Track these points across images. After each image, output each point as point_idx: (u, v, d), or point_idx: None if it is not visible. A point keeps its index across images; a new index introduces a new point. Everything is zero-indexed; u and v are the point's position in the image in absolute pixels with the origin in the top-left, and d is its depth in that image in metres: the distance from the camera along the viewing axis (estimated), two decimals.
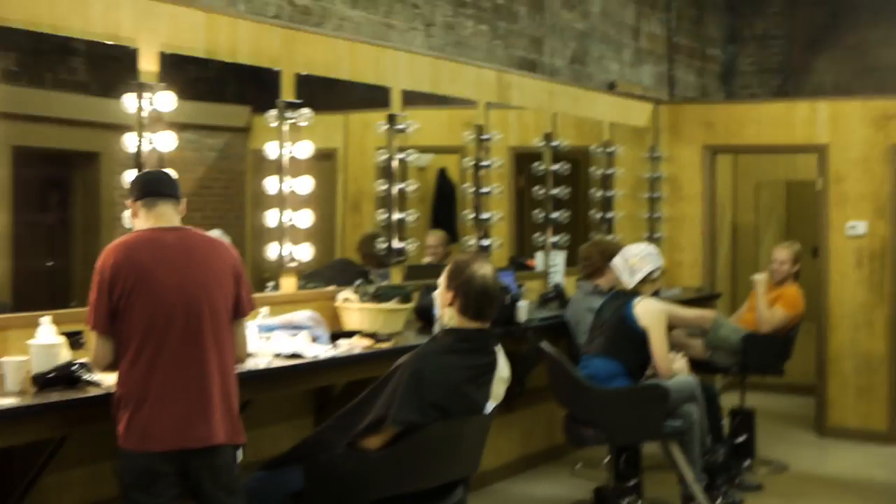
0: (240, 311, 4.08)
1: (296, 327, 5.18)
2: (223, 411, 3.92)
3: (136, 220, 4.06)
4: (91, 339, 3.93)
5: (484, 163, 7.25)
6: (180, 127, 5.05)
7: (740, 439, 7.93)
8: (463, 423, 4.20)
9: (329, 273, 6.29)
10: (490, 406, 4.28)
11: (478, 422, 4.27)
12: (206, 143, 6.00)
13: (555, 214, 8.11)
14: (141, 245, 3.91)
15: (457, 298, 4.23)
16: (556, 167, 8.10)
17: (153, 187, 4.05)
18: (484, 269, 4.26)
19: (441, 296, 4.31)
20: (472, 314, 4.23)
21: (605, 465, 6.15)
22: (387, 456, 4.10)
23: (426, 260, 7.23)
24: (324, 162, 6.57)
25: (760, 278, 7.91)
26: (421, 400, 4.06)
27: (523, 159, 8.32)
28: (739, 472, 7.26)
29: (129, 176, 4.75)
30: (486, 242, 7.28)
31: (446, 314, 4.28)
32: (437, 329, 5.61)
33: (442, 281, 4.31)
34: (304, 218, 5.70)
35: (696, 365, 7.35)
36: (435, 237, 7.47)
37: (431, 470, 4.23)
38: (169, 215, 4.02)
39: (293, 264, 5.70)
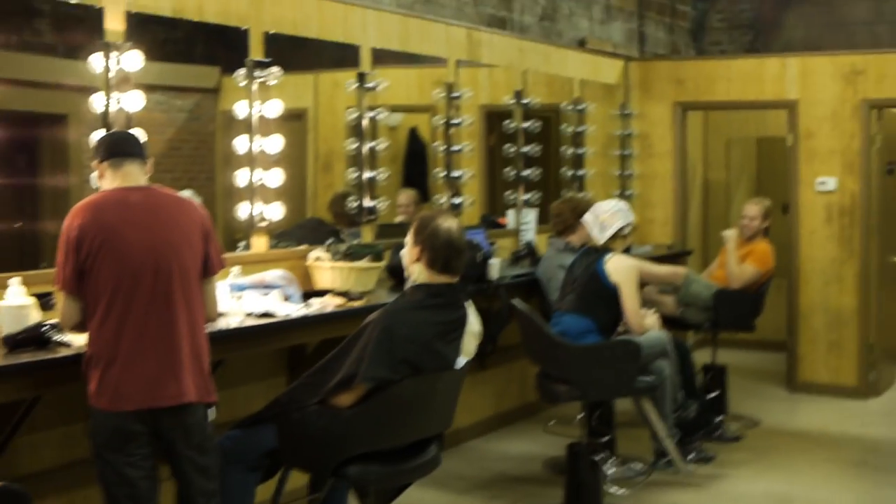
0: (209, 269, 4.06)
1: (267, 286, 5.17)
2: (194, 370, 3.91)
3: (102, 181, 4.03)
4: (59, 299, 3.91)
5: (454, 121, 7.24)
6: (148, 88, 5.01)
7: (712, 395, 7.99)
8: (434, 379, 4.20)
9: (300, 232, 6.27)
10: (461, 361, 4.29)
11: (449, 377, 4.27)
12: (174, 104, 5.97)
13: (526, 172, 8.10)
14: (107, 205, 3.88)
15: (423, 253, 4.23)
16: (526, 125, 8.09)
17: (119, 147, 4.02)
18: (448, 223, 4.26)
19: (408, 252, 4.31)
20: (439, 268, 4.22)
21: (579, 422, 6.18)
22: (358, 413, 4.10)
23: (398, 219, 7.23)
24: (294, 122, 6.55)
25: (730, 234, 7.94)
26: (391, 356, 4.06)
27: (494, 117, 8.32)
28: (715, 426, 7.31)
29: (97, 137, 4.72)
30: (457, 201, 7.27)
31: (414, 270, 4.28)
32: (407, 287, 5.64)
33: (409, 237, 4.31)
34: (275, 177, 5.68)
35: (668, 322, 7.39)
36: (406, 196, 7.47)
37: (404, 427, 4.24)
38: (135, 175, 3.99)
39: (264, 224, 5.68)
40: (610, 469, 6.13)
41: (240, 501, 4.29)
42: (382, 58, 6.63)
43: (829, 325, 8.97)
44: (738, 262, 7.80)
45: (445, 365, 4.24)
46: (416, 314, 4.17)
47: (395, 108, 6.77)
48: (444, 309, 4.23)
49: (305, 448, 4.22)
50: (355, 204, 6.41)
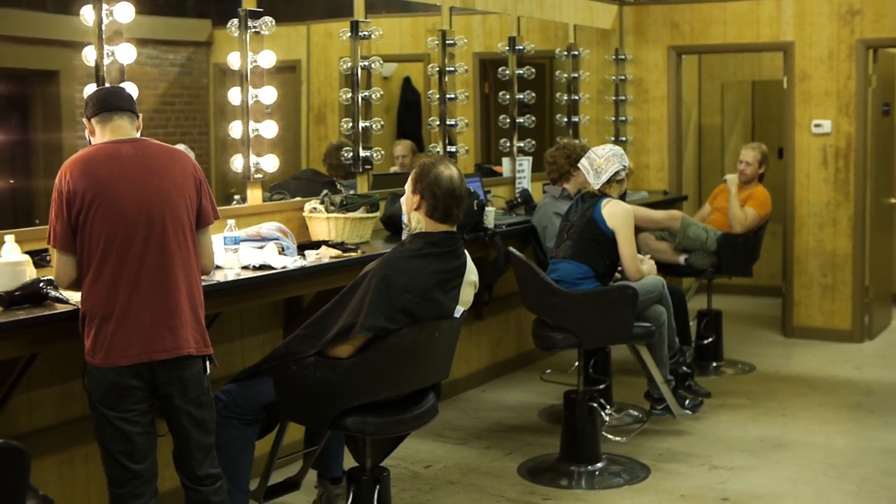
0: (203, 219, 4.04)
1: (263, 239, 5.16)
2: (191, 322, 3.90)
3: (93, 137, 4.00)
4: (53, 256, 3.90)
5: (448, 69, 7.19)
6: (140, 42, 4.96)
7: (707, 341, 8.02)
8: (433, 328, 4.20)
9: (295, 184, 6.26)
10: (459, 310, 4.29)
11: (447, 326, 4.27)
12: (166, 58, 5.93)
13: (520, 120, 8.07)
14: (98, 158, 3.85)
15: (423, 201, 4.20)
16: (521, 72, 8.04)
17: (108, 102, 3.97)
18: (450, 171, 4.22)
19: (407, 200, 4.28)
20: (439, 216, 4.20)
21: (575, 370, 6.20)
22: (357, 363, 4.10)
23: (394, 169, 7.21)
24: (287, 74, 6.52)
25: (733, 178, 7.95)
26: (389, 306, 4.06)
27: (488, 65, 8.28)
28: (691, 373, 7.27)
29: (90, 91, 4.68)
30: (452, 149, 7.25)
31: (413, 218, 4.25)
32: (405, 237, 5.64)
33: (408, 186, 4.28)
34: (269, 129, 5.64)
35: (665, 268, 7.40)
36: (403, 146, 7.45)
37: (402, 377, 4.24)
38: (126, 129, 3.95)
39: (259, 176, 5.66)
40: (606, 417, 6.14)
41: (239, 456, 4.30)
42: (375, 6, 6.58)
43: (824, 269, 8.99)
44: (740, 207, 7.81)
45: (444, 314, 4.22)
46: (414, 263, 4.15)
47: (388, 59, 6.73)
48: (443, 257, 4.21)
49: (303, 400, 4.23)
50: (350, 155, 6.38)
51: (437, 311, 4.19)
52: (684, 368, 6.82)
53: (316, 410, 4.20)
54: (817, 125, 8.90)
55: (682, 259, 7.73)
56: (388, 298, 4.06)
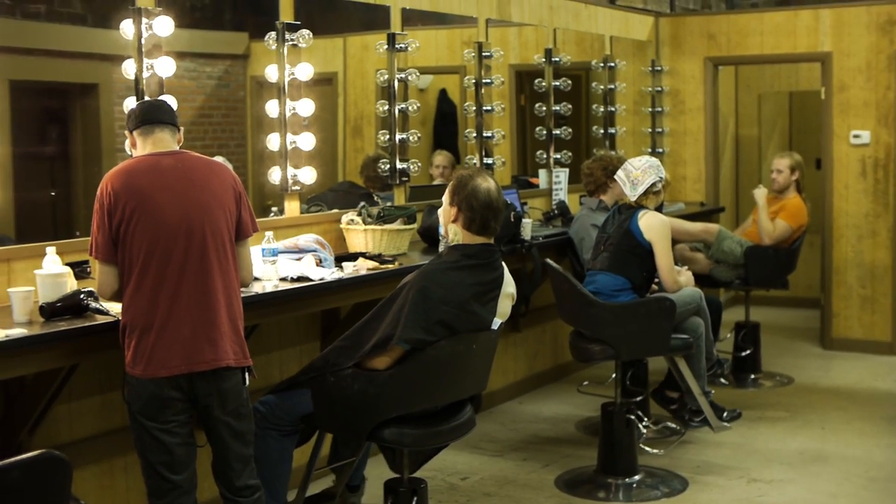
0: (242, 231, 4.06)
1: (301, 251, 5.18)
2: (230, 333, 3.92)
3: (134, 150, 4.04)
4: (95, 267, 3.92)
5: (485, 81, 7.20)
6: (178, 56, 5.00)
7: (745, 353, 7.98)
8: (470, 340, 4.20)
9: (332, 196, 6.28)
10: (497, 322, 4.29)
11: (485, 338, 4.27)
12: (204, 71, 5.97)
13: (557, 131, 8.07)
14: (139, 170, 3.88)
15: (461, 213, 4.20)
16: (557, 83, 8.04)
17: (150, 115, 4.01)
18: (487, 183, 4.22)
19: (445, 212, 4.28)
20: (476, 229, 4.21)
21: (612, 382, 6.18)
22: (394, 375, 4.11)
23: (436, 181, 7.22)
24: (324, 86, 6.54)
25: (760, 192, 7.91)
26: (427, 318, 4.06)
27: (524, 77, 8.28)
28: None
29: (129, 104, 4.73)
30: (488, 161, 7.25)
31: (451, 231, 4.25)
32: (441, 248, 5.64)
33: (445, 197, 4.28)
34: (307, 141, 5.67)
35: (699, 279, 7.37)
36: (442, 157, 7.45)
37: (439, 388, 4.25)
38: (167, 142, 3.99)
39: (296, 188, 5.69)
40: (644, 429, 6.12)
41: (277, 467, 4.32)
42: (411, 19, 6.60)
43: (863, 281, 8.92)
44: (770, 218, 7.76)
45: (481, 326, 4.23)
46: (451, 275, 4.16)
47: (424, 71, 6.73)
48: (480, 269, 4.21)
49: (341, 411, 4.24)
50: (387, 166, 6.40)
51: (475, 323, 4.20)
52: (722, 381, 6.79)
53: (353, 422, 4.22)
54: (856, 136, 8.84)
55: (709, 270, 7.70)
56: (426, 310, 4.07)
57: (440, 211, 4.36)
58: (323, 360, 4.28)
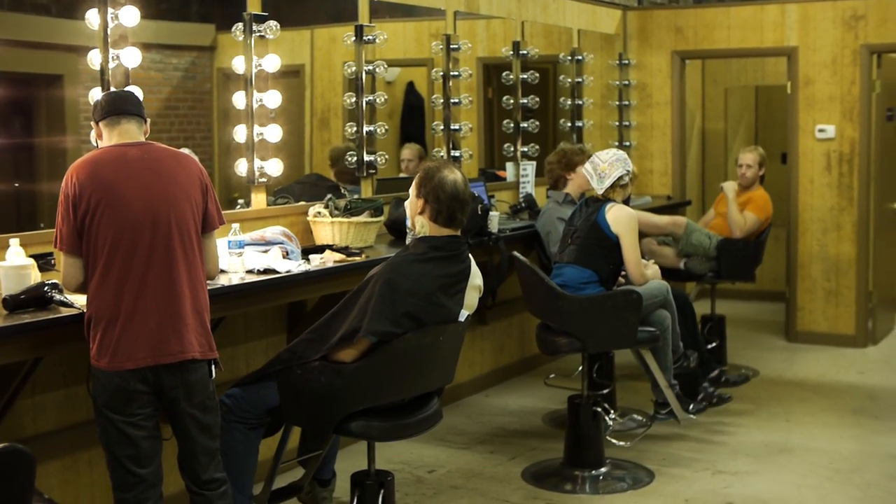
0: (209, 224, 4.04)
1: (267, 243, 5.15)
2: (196, 326, 3.90)
3: (100, 141, 4.01)
4: (60, 259, 3.89)
5: (453, 74, 7.19)
6: (144, 47, 4.96)
7: (711, 346, 8.01)
8: (437, 332, 4.20)
9: (299, 188, 6.26)
10: (464, 314, 4.29)
11: (452, 331, 4.27)
12: (171, 62, 5.94)
13: (524, 124, 8.08)
14: (105, 161, 3.85)
15: (428, 205, 4.20)
16: (524, 76, 8.04)
17: (116, 106, 3.98)
18: (454, 175, 4.22)
19: (411, 204, 4.28)
20: (443, 220, 4.20)
21: (579, 375, 6.20)
22: (361, 368, 4.10)
23: (402, 174, 7.21)
24: (291, 78, 6.52)
25: (730, 185, 7.95)
26: (394, 310, 4.06)
27: (492, 69, 8.29)
28: (719, 374, 7.32)
29: (95, 95, 4.69)
30: (456, 154, 7.25)
31: (418, 223, 4.25)
32: (409, 241, 5.63)
33: (412, 189, 4.28)
34: (273, 133, 5.64)
35: (669, 273, 7.40)
36: (410, 150, 7.45)
37: (407, 381, 4.25)
38: (133, 133, 3.96)
39: (263, 180, 5.66)
40: (610, 421, 6.13)
41: (243, 460, 4.30)
42: (379, 11, 6.59)
43: (827, 274, 8.98)
44: (739, 211, 7.80)
45: (448, 318, 4.23)
46: (418, 267, 4.16)
47: (391, 63, 6.72)
48: (447, 261, 4.21)
49: (307, 404, 4.23)
50: (354, 159, 6.38)
51: (442, 315, 4.19)
52: (709, 384, 6.84)
53: (320, 414, 4.21)
54: (821, 130, 8.89)
55: (681, 264, 7.73)
56: (393, 302, 4.07)
57: (407, 203, 4.35)
58: (289, 352, 4.27)
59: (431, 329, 4.17)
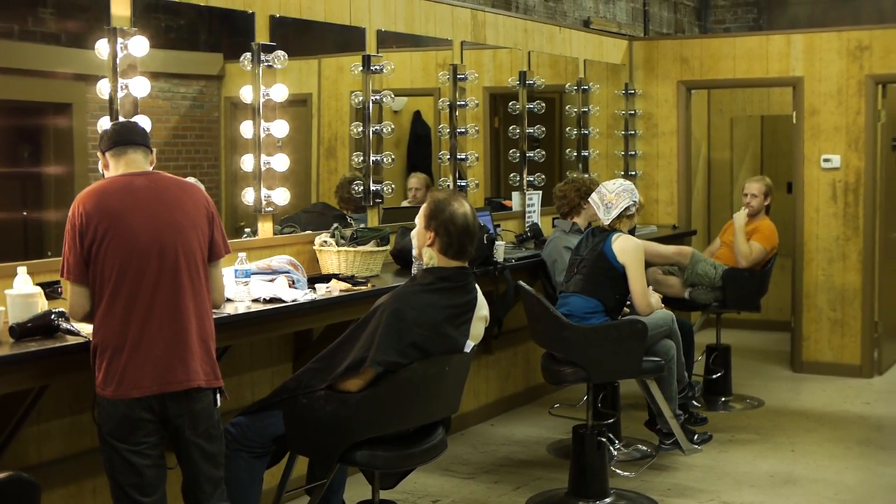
0: (215, 253, 4.06)
1: (273, 272, 5.17)
2: (201, 354, 3.91)
3: (107, 171, 4.03)
4: (67, 288, 3.91)
5: (459, 103, 7.23)
6: (153, 76, 5.00)
7: (716, 376, 8.01)
8: (442, 363, 4.21)
9: (306, 217, 6.28)
10: (470, 345, 4.29)
11: (457, 361, 4.28)
12: (179, 91, 5.95)
13: (530, 154, 8.10)
14: (111, 190, 3.88)
15: (438, 238, 4.21)
16: (531, 106, 8.08)
17: (122, 136, 4.01)
18: (464, 208, 4.24)
19: (419, 236, 4.29)
20: (453, 253, 4.22)
21: (583, 405, 6.19)
22: (367, 397, 4.11)
23: (406, 202, 7.23)
24: (298, 107, 6.54)
25: (740, 215, 7.97)
26: (400, 340, 4.07)
27: (498, 99, 8.31)
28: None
29: (103, 124, 4.72)
30: (462, 183, 7.27)
31: (426, 254, 4.26)
32: (414, 270, 5.64)
33: (420, 220, 4.29)
34: (281, 162, 5.68)
35: (673, 302, 7.40)
36: (417, 179, 7.47)
37: (412, 411, 4.25)
38: (139, 163, 3.98)
39: (270, 209, 5.69)
40: (615, 451, 6.12)
41: (247, 489, 4.30)
42: (386, 41, 6.63)
43: (833, 304, 8.97)
44: (745, 241, 7.81)
45: (454, 348, 4.23)
46: (425, 297, 4.17)
47: (398, 93, 6.76)
48: (454, 292, 4.22)
49: (313, 433, 4.23)
50: (361, 188, 6.40)
51: (448, 345, 4.20)
52: (694, 403, 6.82)
53: (325, 444, 4.21)
54: (826, 160, 8.91)
55: (686, 294, 7.73)
56: (399, 333, 4.08)
57: (414, 233, 4.36)
58: (295, 381, 4.27)
59: (437, 359, 4.18)
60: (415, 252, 4.38)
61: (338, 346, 4.23)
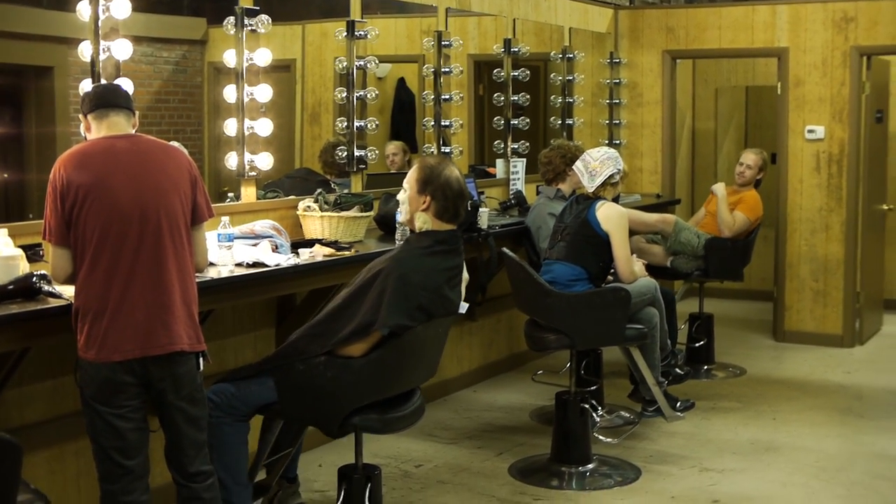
0: (198, 216, 4.03)
1: (257, 237, 5.15)
2: (184, 318, 3.89)
3: (89, 133, 3.99)
4: (48, 251, 3.89)
5: (444, 70, 7.20)
6: (135, 40, 4.94)
7: (699, 344, 8.03)
8: (439, 325, 4.29)
9: (289, 182, 6.26)
10: (464, 306, 4.35)
11: (449, 323, 4.35)
12: (161, 56, 5.93)
13: (515, 121, 8.08)
14: (93, 153, 3.84)
15: (434, 202, 4.24)
16: (515, 73, 8.05)
17: (104, 99, 3.97)
18: (455, 171, 4.30)
19: (412, 201, 4.29)
20: (449, 217, 4.27)
21: (566, 372, 6.21)
22: (371, 361, 4.13)
23: (391, 170, 7.21)
24: (281, 73, 6.52)
25: (719, 186, 7.97)
26: (409, 303, 4.10)
27: (483, 66, 8.28)
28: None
29: (85, 86, 4.69)
30: (446, 150, 7.25)
31: (419, 219, 4.27)
32: (398, 236, 5.64)
33: (412, 186, 4.29)
34: (264, 127, 5.64)
35: (656, 271, 7.41)
36: (395, 146, 7.47)
37: (411, 373, 4.31)
38: (121, 125, 3.94)
39: (253, 174, 5.66)
40: (598, 418, 6.14)
41: (236, 450, 4.27)
42: (371, 7, 6.59)
43: (815, 274, 9.00)
44: (729, 211, 7.82)
45: (451, 310, 4.29)
46: (427, 261, 4.21)
47: (383, 59, 6.73)
48: (450, 255, 4.27)
49: (312, 400, 4.22)
50: (345, 153, 6.38)
51: (447, 307, 4.26)
52: (678, 371, 6.84)
53: (326, 410, 4.21)
54: (811, 131, 8.92)
55: (668, 262, 7.74)
56: (406, 296, 4.11)
57: (403, 199, 4.35)
58: (291, 347, 4.24)
59: (437, 321, 4.24)
60: (402, 218, 4.38)
61: (336, 311, 4.22)
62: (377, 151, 6.52)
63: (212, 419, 4.15)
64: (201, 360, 3.99)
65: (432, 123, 7.22)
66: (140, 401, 3.87)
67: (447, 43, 7.19)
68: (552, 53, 8.77)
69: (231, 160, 5.63)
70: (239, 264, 4.82)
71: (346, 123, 6.37)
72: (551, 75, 8.84)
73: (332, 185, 6.33)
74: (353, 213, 5.73)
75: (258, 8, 5.58)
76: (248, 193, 5.71)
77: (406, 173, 4.39)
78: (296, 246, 5.31)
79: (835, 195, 8.88)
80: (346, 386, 4.14)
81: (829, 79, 8.85)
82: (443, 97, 7.21)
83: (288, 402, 4.24)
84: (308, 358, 4.17)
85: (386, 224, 6.12)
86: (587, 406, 5.85)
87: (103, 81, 4.68)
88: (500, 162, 8.11)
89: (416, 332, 4.14)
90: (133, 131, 4.00)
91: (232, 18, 5.52)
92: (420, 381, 4.41)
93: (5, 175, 5.14)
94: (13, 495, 2.95)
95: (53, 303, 3.95)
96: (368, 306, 4.12)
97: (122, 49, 4.80)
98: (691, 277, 7.90)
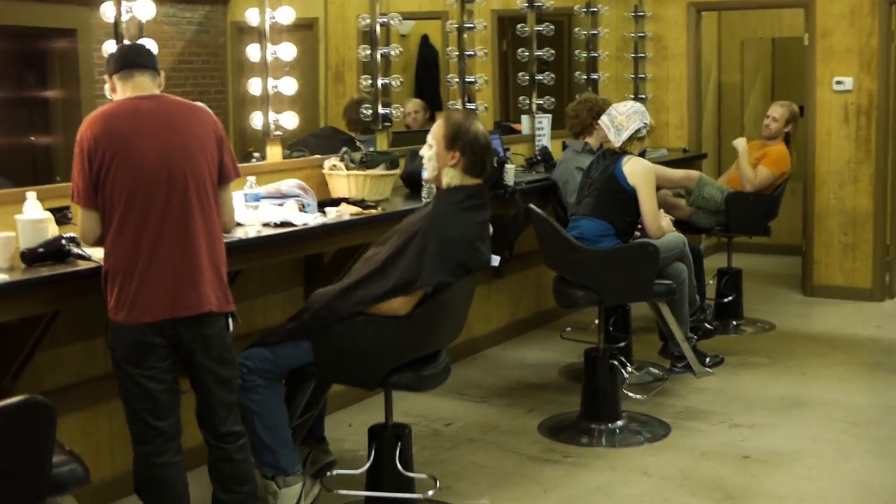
0: (225, 176, 4.01)
1: (283, 196, 5.14)
2: (213, 279, 3.88)
3: (114, 94, 3.98)
4: (77, 213, 3.89)
5: (467, 26, 7.14)
6: (158, 0, 4.92)
7: (727, 299, 7.99)
8: (474, 280, 4.33)
9: (315, 141, 6.24)
10: (496, 259, 4.38)
11: (476, 280, 4.38)
12: (184, 16, 5.90)
13: (539, 77, 8.03)
14: (119, 114, 3.82)
15: (463, 157, 4.23)
16: (539, 29, 7.99)
17: (129, 59, 3.95)
18: (481, 126, 4.30)
19: (440, 156, 4.26)
20: (478, 171, 4.27)
21: (595, 328, 6.19)
22: (412, 318, 4.15)
23: (412, 128, 7.19)
24: (304, 31, 6.48)
25: (740, 141, 7.90)
26: (451, 260, 4.13)
27: (507, 22, 8.22)
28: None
29: (108, 48, 4.67)
30: (471, 107, 7.21)
31: (447, 175, 4.25)
32: (424, 194, 5.61)
33: (438, 142, 4.26)
34: (288, 85, 5.62)
35: (684, 226, 7.37)
36: (414, 104, 7.46)
37: (448, 330, 4.35)
38: (147, 85, 3.92)
39: (278, 133, 5.64)
40: (627, 374, 6.12)
41: (276, 411, 4.29)
42: None
43: (844, 228, 8.93)
44: (752, 165, 7.75)
45: (485, 264, 4.31)
46: (462, 216, 4.21)
47: (406, 16, 6.68)
48: (480, 209, 4.28)
49: (352, 359, 4.23)
50: (370, 111, 6.35)
51: (481, 261, 4.29)
52: (706, 325, 6.82)
53: (366, 368, 4.23)
54: (839, 82, 8.81)
55: (688, 217, 7.70)
56: (447, 252, 4.13)
57: (430, 155, 4.31)
58: (328, 308, 4.23)
59: (473, 277, 4.28)
60: (428, 175, 4.34)
61: (372, 273, 4.22)
62: (402, 109, 6.49)
63: (246, 384, 4.16)
64: (230, 320, 3.98)
65: (456, 80, 7.17)
66: (171, 362, 3.88)
67: None
68: (576, 7, 8.69)
69: (256, 120, 5.61)
70: (266, 224, 4.81)
71: (370, 81, 6.33)
72: (575, 30, 8.76)
73: (357, 143, 6.30)
74: (379, 171, 5.71)
75: None
76: (274, 153, 5.69)
77: (427, 131, 4.36)
78: (322, 205, 5.30)
79: (863, 147, 8.79)
80: (386, 344, 4.16)
81: (857, 29, 8.73)
82: (466, 53, 7.16)
83: (326, 363, 4.25)
84: (345, 318, 4.17)
85: (412, 182, 6.10)
86: (616, 363, 5.83)
87: (127, 42, 4.66)
88: (525, 118, 8.06)
89: (455, 287, 4.17)
90: (159, 91, 3.98)
91: None
92: (451, 338, 4.42)
93: (32, 138, 5.14)
94: (48, 457, 2.96)
95: (83, 265, 3.95)
96: (407, 264, 4.13)
97: (144, 9, 4.78)
98: (712, 232, 7.85)
